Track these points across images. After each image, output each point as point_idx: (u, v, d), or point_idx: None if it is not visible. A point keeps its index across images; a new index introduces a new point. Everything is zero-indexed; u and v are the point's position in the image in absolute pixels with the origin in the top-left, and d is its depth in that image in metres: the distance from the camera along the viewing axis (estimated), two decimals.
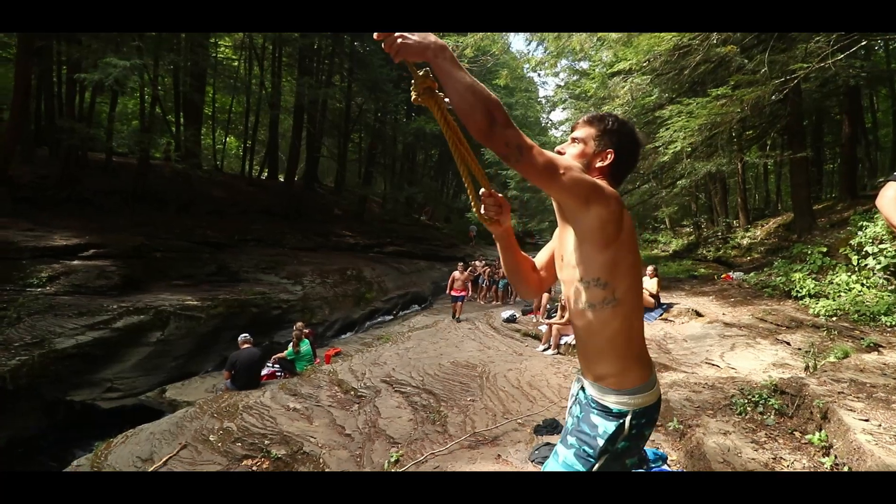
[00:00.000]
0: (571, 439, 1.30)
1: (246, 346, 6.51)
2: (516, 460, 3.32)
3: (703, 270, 13.30)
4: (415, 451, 3.76)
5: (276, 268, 12.44)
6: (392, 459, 3.77)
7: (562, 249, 1.34)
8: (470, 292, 12.05)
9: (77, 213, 11.17)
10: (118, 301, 8.54)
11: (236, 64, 21.98)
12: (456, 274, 10.15)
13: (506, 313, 9.14)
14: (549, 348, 6.86)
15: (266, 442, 4.68)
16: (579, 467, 1.25)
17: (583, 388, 1.36)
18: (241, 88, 19.88)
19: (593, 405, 1.28)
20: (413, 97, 1.16)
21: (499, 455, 3.47)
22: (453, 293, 9.99)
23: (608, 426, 1.24)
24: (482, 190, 1.32)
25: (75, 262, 9.10)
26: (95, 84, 10.69)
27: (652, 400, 1.26)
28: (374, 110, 23.82)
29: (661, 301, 8.12)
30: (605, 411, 1.25)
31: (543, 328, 7.51)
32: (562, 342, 6.87)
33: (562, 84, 14.83)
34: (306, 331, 7.34)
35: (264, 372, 6.72)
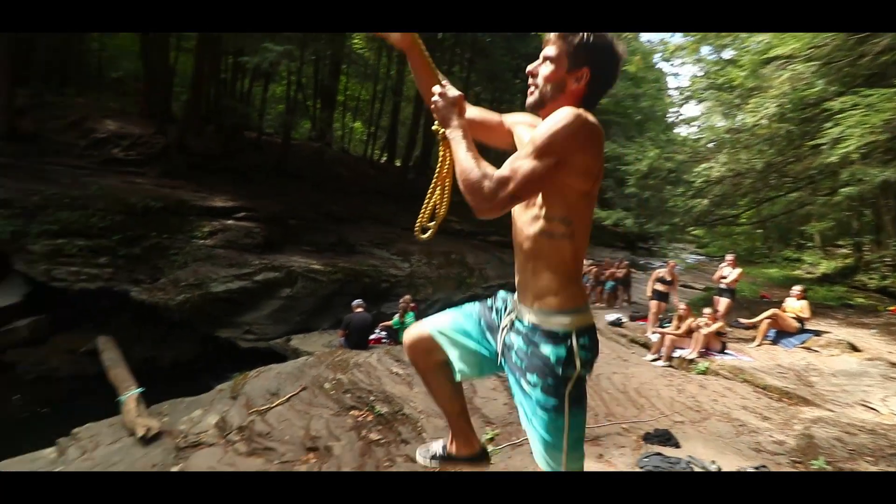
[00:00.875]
0: (531, 377, 1.23)
1: (359, 310, 7.10)
2: (620, 463, 3.18)
3: (861, 300, 11.18)
4: (510, 433, 3.80)
5: (387, 244, 13.29)
6: (487, 437, 3.85)
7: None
8: None
9: (232, 181, 13.07)
10: (259, 258, 9.88)
11: (368, 54, 23.64)
12: None
13: (611, 316, 8.67)
14: (658, 359, 6.38)
15: (371, 398, 5.08)
16: (554, 402, 1.21)
17: (519, 320, 1.31)
18: (370, 76, 21.33)
19: (538, 335, 1.24)
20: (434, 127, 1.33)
21: (601, 455, 3.35)
22: None
23: (559, 351, 1.20)
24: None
25: (229, 222, 10.69)
26: (255, 68, 12.33)
27: (591, 321, 1.26)
28: (491, 99, 23.92)
29: (807, 327, 7.02)
30: (552, 336, 1.21)
31: (654, 337, 7.00)
32: (675, 354, 6.34)
33: (700, 73, 13.36)
34: (412, 304, 7.76)
35: (372, 336, 7.28)
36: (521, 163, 1.12)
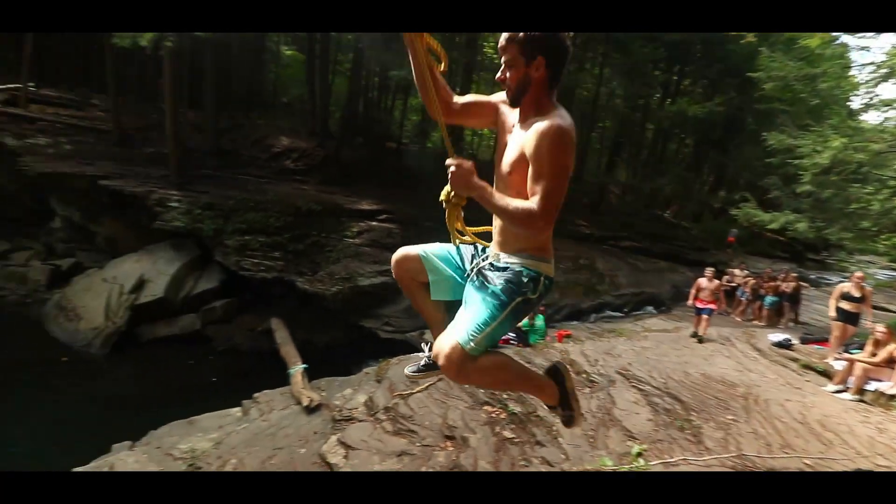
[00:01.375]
0: (500, 281, 1.58)
1: None
2: None
3: None
4: (661, 450, 3.54)
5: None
6: (634, 452, 3.65)
7: (510, 165, 1.57)
8: (723, 305, 10.24)
9: (376, 186, 14.44)
10: None
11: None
12: (703, 281, 8.10)
13: (777, 336, 7.45)
14: (845, 390, 5.31)
15: (504, 396, 5.17)
16: (505, 298, 1.55)
17: (496, 260, 1.66)
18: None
19: (517, 266, 1.59)
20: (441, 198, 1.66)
21: None
22: (697, 304, 7.99)
23: (531, 273, 1.58)
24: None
25: (373, 223, 11.84)
26: (397, 83, 13.48)
27: (553, 271, 1.65)
28: (626, 95, 22.37)
29: None
30: (529, 270, 1.59)
31: (838, 364, 5.85)
32: (869, 387, 5.21)
33: None
34: (542, 308, 7.68)
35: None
36: (544, 185, 1.44)
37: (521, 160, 1.52)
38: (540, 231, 1.50)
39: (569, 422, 1.94)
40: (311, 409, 5.86)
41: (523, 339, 7.56)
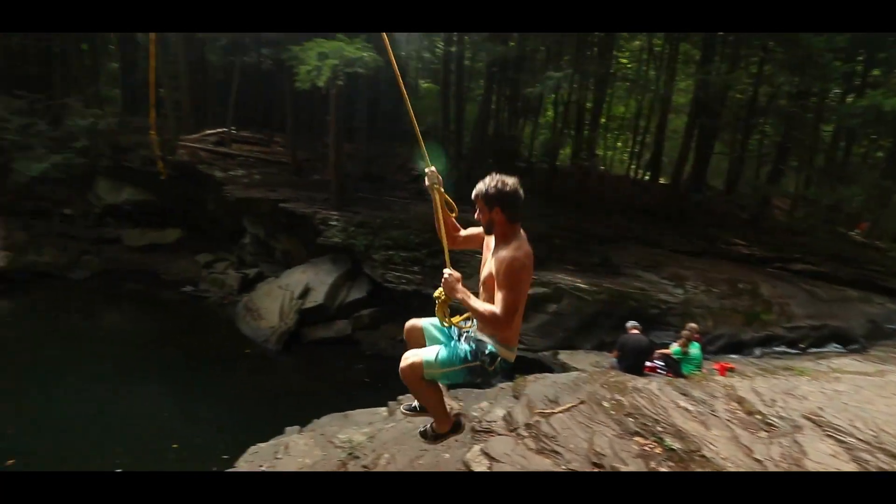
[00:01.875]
0: (469, 344, 2.35)
1: (634, 332, 6.77)
2: None
3: None
4: None
5: (656, 267, 12.26)
6: None
7: (485, 276, 2.37)
8: None
9: None
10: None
11: (630, 66, 22.68)
12: None
13: None
14: None
15: (658, 428, 4.72)
16: (464, 356, 2.32)
17: (478, 336, 2.37)
18: (637, 90, 20.42)
19: (489, 346, 2.29)
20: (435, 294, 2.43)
21: None
22: None
23: (493, 351, 2.29)
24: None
25: None
26: (525, 102, 13.57)
27: (513, 357, 2.39)
28: (793, 93, 19.12)
29: None
30: (492, 348, 2.30)
31: None
32: None
33: None
34: (697, 335, 6.89)
35: (647, 363, 6.81)
36: (503, 296, 2.09)
37: (491, 275, 2.24)
38: (500, 328, 2.18)
39: (428, 440, 3.00)
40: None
41: (675, 368, 6.86)
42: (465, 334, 2.44)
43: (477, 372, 2.36)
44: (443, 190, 2.56)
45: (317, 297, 11.49)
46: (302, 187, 13.60)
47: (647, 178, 23.24)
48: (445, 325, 2.49)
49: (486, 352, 2.28)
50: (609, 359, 7.03)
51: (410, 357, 2.40)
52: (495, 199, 2.23)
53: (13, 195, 13.66)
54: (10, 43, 14.58)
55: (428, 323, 2.66)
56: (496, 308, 2.10)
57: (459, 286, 2.27)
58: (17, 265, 12.52)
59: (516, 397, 6.20)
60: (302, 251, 13.17)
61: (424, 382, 2.42)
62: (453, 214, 2.69)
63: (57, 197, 14.17)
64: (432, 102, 26.11)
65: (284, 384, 10.00)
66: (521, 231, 2.32)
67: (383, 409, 7.18)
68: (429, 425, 2.86)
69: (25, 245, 13.03)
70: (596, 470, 4.44)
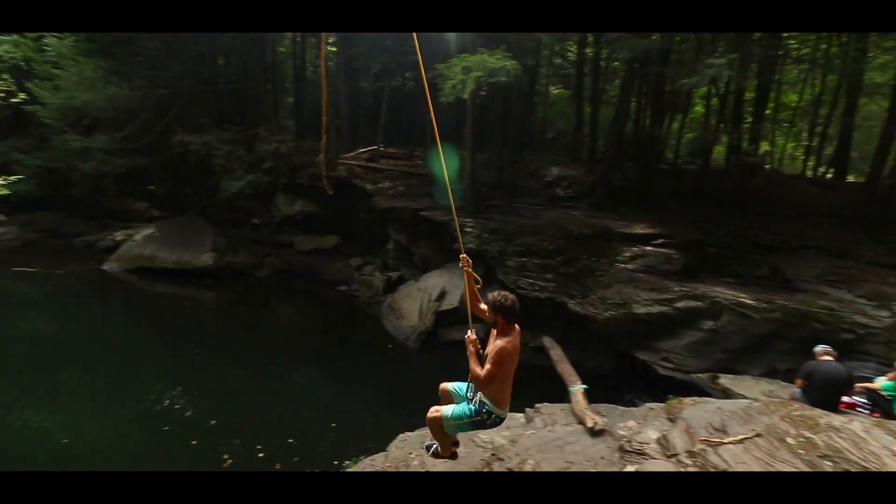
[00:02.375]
0: (474, 405, 3.37)
1: (827, 358, 5.65)
2: None
3: None
4: None
5: (847, 283, 10.08)
6: None
7: (486, 350, 3.34)
8: None
9: (648, 209, 13.54)
10: (679, 284, 9.70)
11: (806, 43, 19.06)
12: None
13: None
14: None
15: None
16: (470, 413, 3.36)
17: (481, 400, 3.35)
18: (815, 71, 17.13)
19: (487, 406, 3.31)
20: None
21: None
22: None
23: (489, 410, 3.31)
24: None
25: (647, 248, 11.08)
26: (674, 97, 12.31)
27: (505, 415, 3.41)
28: None
29: None
30: (489, 408, 3.31)
31: None
32: None
33: None
34: None
35: (845, 399, 5.62)
36: (489, 368, 3.13)
37: (489, 351, 3.23)
38: (478, 386, 3.31)
39: (431, 455, 3.98)
40: (594, 432, 5.82)
41: (884, 407, 5.55)
42: (474, 397, 3.46)
43: (478, 423, 3.42)
44: (471, 269, 3.49)
45: (452, 301, 12.03)
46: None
47: (828, 175, 19.32)
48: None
49: (485, 410, 3.35)
50: (789, 388, 5.97)
51: (436, 411, 3.57)
52: (498, 308, 3.28)
53: (219, 208, 17.17)
54: (218, 88, 18.43)
55: (453, 386, 3.80)
56: (481, 373, 3.18)
57: (471, 347, 3.33)
58: (220, 264, 15.63)
59: (671, 420, 5.67)
60: (438, 256, 13.94)
61: (441, 428, 3.58)
62: (478, 286, 3.59)
63: (249, 209, 17.39)
64: (563, 108, 25.54)
65: (422, 379, 10.63)
66: (517, 327, 3.32)
67: (519, 414, 7.18)
68: (436, 446, 3.88)
69: (225, 248, 16.20)
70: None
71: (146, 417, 8.09)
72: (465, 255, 3.46)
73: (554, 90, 26.63)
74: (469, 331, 3.37)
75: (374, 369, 11.05)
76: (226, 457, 7.10)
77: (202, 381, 9.49)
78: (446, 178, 4.11)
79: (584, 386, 7.04)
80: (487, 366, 3.12)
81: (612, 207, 13.68)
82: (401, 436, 6.52)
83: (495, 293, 3.34)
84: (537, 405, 7.12)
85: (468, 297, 3.52)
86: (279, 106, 21.53)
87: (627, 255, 11.02)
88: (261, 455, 7.28)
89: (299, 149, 16.78)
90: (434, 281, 12.73)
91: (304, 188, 16.46)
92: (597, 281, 10.82)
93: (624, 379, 10.12)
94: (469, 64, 9.96)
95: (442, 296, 12.17)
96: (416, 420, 8.33)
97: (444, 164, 4.02)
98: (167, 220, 17.07)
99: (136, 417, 8.09)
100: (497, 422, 3.39)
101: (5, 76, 5.32)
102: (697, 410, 5.66)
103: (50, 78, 14.45)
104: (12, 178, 4.99)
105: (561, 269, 11.27)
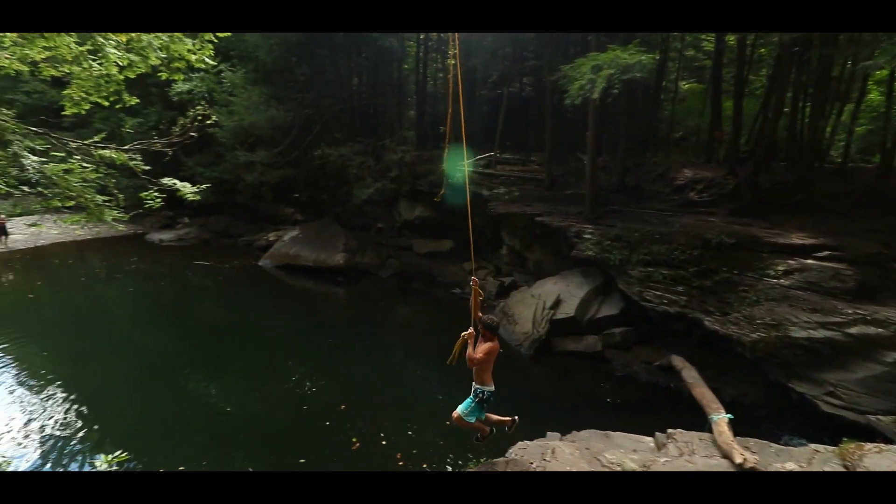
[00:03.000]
0: (471, 396, 4.80)
1: None
2: None
3: None
4: None
5: None
6: None
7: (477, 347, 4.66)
8: None
9: (809, 215, 11.57)
10: (852, 306, 8.11)
11: None
12: None
13: None
14: None
15: None
16: (472, 400, 4.78)
17: (475, 389, 4.77)
18: None
19: (479, 389, 4.73)
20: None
21: None
22: None
23: (479, 390, 4.75)
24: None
25: (808, 261, 9.45)
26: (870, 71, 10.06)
27: (492, 388, 4.75)
28: None
29: None
30: (478, 389, 4.75)
31: None
32: None
33: None
34: None
35: None
36: (482, 357, 4.57)
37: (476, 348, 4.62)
38: (471, 364, 4.60)
39: (478, 441, 5.42)
40: (744, 470, 5.14)
41: None
42: (473, 389, 4.80)
43: (480, 403, 4.77)
44: (478, 288, 4.89)
45: (567, 310, 11.64)
46: (555, 201, 14.09)
47: None
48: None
49: (479, 391, 4.73)
50: None
51: (455, 413, 4.83)
52: (487, 327, 4.69)
53: (350, 213, 19.01)
54: (352, 106, 20.47)
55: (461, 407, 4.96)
56: (476, 356, 4.54)
57: (466, 335, 4.67)
58: (350, 264, 17.25)
59: (846, 468, 4.77)
60: (552, 262, 13.61)
61: (464, 421, 4.77)
62: (481, 298, 4.96)
63: (375, 214, 18.96)
64: (694, 103, 23.09)
65: (535, 388, 10.46)
66: (496, 337, 4.73)
67: (648, 438, 6.66)
68: (476, 434, 5.22)
69: (355, 250, 17.84)
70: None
71: (290, 396, 9.26)
72: (475, 279, 4.94)
73: (684, 84, 24.26)
74: (473, 279, 4.93)
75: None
76: (354, 440, 7.79)
77: (333, 368, 10.57)
78: (466, 177, 5.84)
79: (730, 416, 6.26)
80: (479, 355, 4.53)
81: (759, 213, 12.00)
82: (520, 443, 6.49)
83: (488, 316, 4.82)
84: (669, 430, 6.53)
85: (473, 307, 4.85)
86: (403, 118, 23.09)
87: (781, 268, 9.53)
88: (384, 443, 7.85)
89: (420, 157, 17.80)
90: (549, 288, 12.45)
91: (423, 195, 17.41)
92: (740, 297, 9.56)
93: (774, 412, 8.76)
94: (599, 62, 9.57)
95: (557, 304, 11.85)
96: (532, 429, 8.23)
97: (458, 161, 4.53)
98: (308, 224, 19.41)
99: (283, 395, 9.30)
100: (489, 395, 4.76)
101: (202, 104, 6.57)
102: (882, 460, 4.69)
103: (226, 104, 17.49)
104: (203, 186, 6.11)
105: (695, 281, 10.20)
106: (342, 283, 16.95)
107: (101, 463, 2.72)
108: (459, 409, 4.77)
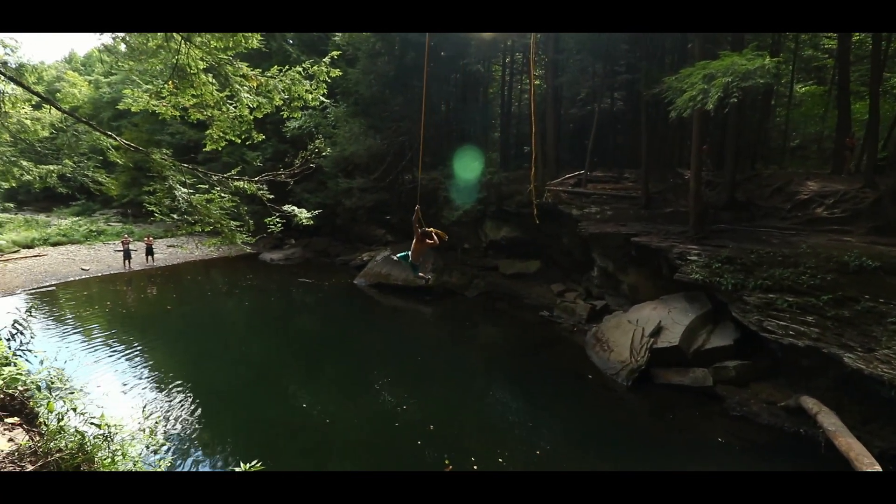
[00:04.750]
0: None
1: None
2: None
3: None
4: None
5: None
6: None
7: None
8: None
9: None
10: None
11: None
12: None
13: None
14: None
15: None
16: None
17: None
18: None
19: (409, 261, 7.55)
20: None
21: None
22: None
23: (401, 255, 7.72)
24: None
25: None
26: None
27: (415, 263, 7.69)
28: None
29: None
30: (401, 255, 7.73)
31: None
32: None
33: None
34: None
35: None
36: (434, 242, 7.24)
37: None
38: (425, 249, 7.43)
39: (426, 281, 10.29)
40: None
41: None
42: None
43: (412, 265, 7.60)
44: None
45: (670, 338, 10.72)
46: (653, 220, 13.22)
47: None
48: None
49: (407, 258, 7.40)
50: None
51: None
52: (424, 234, 7.04)
53: None
54: (442, 132, 21.33)
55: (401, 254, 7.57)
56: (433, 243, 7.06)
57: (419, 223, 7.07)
58: (438, 283, 17.64)
59: None
60: (650, 286, 12.70)
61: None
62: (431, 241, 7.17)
63: (461, 234, 19.28)
64: (813, 108, 20.49)
65: (632, 421, 9.70)
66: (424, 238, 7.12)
67: None
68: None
69: (442, 269, 18.25)
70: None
71: (382, 411, 9.59)
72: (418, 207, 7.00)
73: (800, 88, 21.65)
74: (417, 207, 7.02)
75: (578, 401, 10.60)
76: (447, 461, 7.81)
77: (421, 387, 10.77)
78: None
79: None
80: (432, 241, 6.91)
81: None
82: None
83: (430, 228, 7.09)
84: None
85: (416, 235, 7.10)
86: (488, 141, 23.46)
87: None
88: (475, 467, 7.75)
89: (507, 178, 17.88)
90: (647, 313, 11.60)
91: (509, 215, 17.39)
92: (889, 330, 8.10)
93: None
94: (712, 70, 8.90)
95: (658, 331, 10.97)
96: (628, 463, 7.61)
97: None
98: (399, 245, 20.31)
99: (376, 410, 9.66)
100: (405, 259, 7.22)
101: (319, 138, 7.30)
102: None
103: (330, 136, 19.19)
104: (314, 212, 6.71)
105: (829, 310, 8.85)
106: (429, 302, 17.36)
107: (241, 471, 2.98)
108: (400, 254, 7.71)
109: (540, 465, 8.01)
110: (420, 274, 9.39)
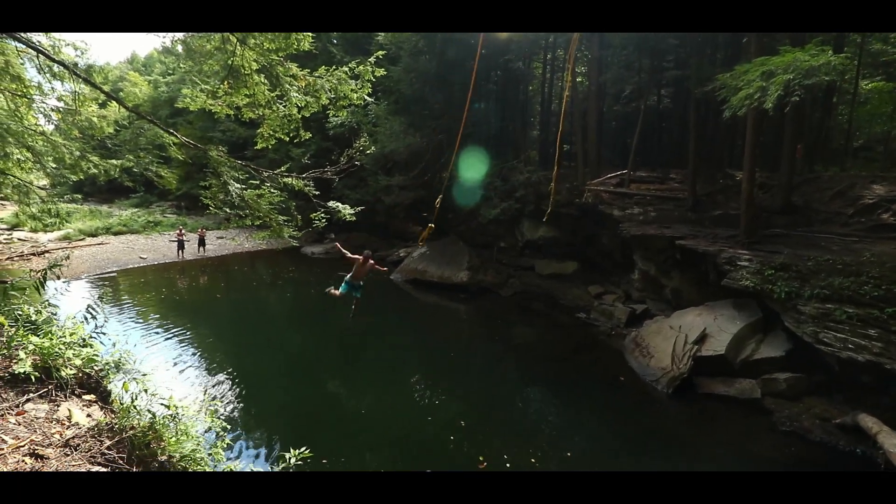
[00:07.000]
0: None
1: None
2: None
3: None
4: None
5: None
6: None
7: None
8: None
9: None
10: None
11: None
12: None
13: None
14: None
15: None
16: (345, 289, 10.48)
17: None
18: None
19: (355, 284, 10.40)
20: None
21: None
22: None
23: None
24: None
25: None
26: None
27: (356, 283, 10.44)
28: None
29: None
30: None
31: None
32: None
33: None
34: None
35: None
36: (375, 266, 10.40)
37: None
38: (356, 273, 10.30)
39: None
40: None
41: None
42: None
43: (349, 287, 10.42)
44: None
45: (716, 346, 10.28)
46: (700, 223, 12.68)
47: None
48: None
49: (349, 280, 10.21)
50: None
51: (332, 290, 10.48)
52: (367, 257, 10.05)
53: (473, 232, 19.56)
54: (481, 129, 21.30)
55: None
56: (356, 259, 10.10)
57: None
58: (472, 281, 17.67)
59: None
60: (695, 291, 12.21)
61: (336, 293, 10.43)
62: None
63: (497, 233, 19.23)
64: (880, 106, 18.96)
65: (671, 430, 9.38)
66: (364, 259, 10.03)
67: None
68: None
69: (477, 267, 18.25)
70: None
71: (415, 405, 9.74)
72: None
73: (866, 84, 20.09)
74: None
75: (615, 406, 10.36)
76: (481, 458, 7.85)
77: (453, 383, 10.84)
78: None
79: None
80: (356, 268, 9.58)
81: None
82: None
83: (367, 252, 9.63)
84: None
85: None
86: (527, 139, 23.21)
87: None
88: (507, 465, 7.76)
89: (546, 177, 17.64)
90: (691, 320, 11.17)
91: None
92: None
93: None
94: (771, 67, 8.43)
95: (702, 338, 10.55)
96: (663, 468, 7.36)
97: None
98: (435, 241, 20.47)
99: (409, 404, 9.82)
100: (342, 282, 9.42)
101: (364, 137, 7.49)
102: None
103: (371, 134, 19.58)
104: (358, 209, 6.90)
105: (894, 324, 8.24)
106: (464, 300, 17.41)
107: (291, 457, 3.13)
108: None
109: (572, 467, 7.91)
110: (356, 296, 10.81)
